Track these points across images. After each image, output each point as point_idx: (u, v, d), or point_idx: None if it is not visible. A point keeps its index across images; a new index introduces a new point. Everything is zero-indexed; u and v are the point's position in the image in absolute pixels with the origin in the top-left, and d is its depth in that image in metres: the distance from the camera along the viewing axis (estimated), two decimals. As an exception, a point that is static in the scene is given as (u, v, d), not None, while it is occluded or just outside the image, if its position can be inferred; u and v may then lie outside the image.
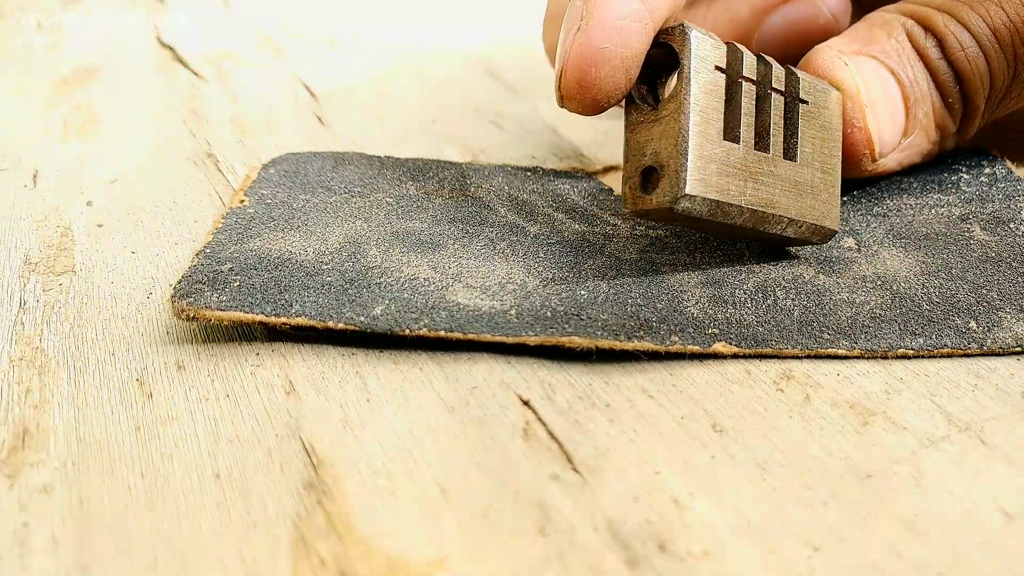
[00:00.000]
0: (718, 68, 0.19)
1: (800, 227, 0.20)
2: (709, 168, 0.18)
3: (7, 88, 0.35)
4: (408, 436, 0.17)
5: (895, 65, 0.22)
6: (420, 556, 0.14)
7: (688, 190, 0.18)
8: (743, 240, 0.21)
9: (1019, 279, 0.20)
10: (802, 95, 0.20)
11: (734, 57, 0.19)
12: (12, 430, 0.17)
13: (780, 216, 0.20)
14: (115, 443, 0.17)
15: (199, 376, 0.18)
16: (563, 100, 0.19)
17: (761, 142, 0.20)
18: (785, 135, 0.20)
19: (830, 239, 0.21)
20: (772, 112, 0.20)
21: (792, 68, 0.21)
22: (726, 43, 0.19)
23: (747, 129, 0.19)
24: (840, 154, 0.21)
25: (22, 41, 0.40)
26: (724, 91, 0.19)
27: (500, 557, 0.14)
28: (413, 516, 0.15)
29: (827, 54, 0.22)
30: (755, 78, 0.20)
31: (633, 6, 0.19)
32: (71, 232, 0.24)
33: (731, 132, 0.19)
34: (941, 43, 0.22)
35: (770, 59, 0.20)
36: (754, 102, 0.19)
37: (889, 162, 0.23)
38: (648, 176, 0.19)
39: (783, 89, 0.20)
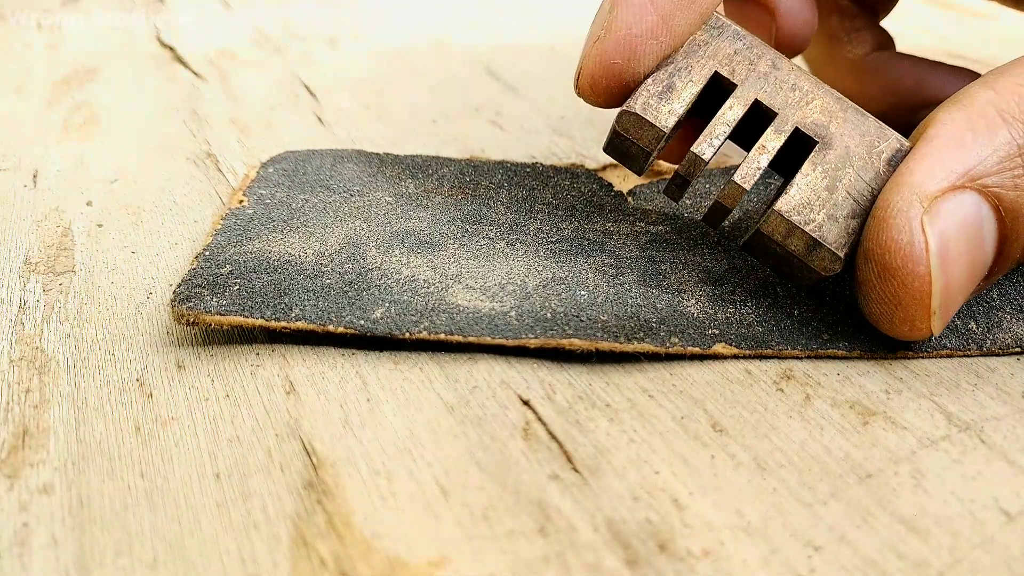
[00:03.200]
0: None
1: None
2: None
3: (7, 88, 0.35)
4: (408, 436, 0.17)
5: (1006, 195, 0.17)
6: (420, 556, 0.14)
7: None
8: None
9: (1019, 279, 0.20)
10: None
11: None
12: (12, 430, 0.17)
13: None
14: (115, 443, 0.17)
15: (199, 376, 0.18)
16: (578, 93, 0.20)
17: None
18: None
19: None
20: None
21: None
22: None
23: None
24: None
25: (22, 41, 0.40)
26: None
27: (500, 557, 0.14)
28: (413, 516, 0.15)
29: (905, 218, 0.16)
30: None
31: (648, 23, 0.19)
32: (71, 232, 0.24)
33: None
34: None
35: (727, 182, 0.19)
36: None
37: (943, 320, 0.17)
38: None
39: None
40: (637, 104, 0.19)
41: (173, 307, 0.19)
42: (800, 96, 0.19)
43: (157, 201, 0.25)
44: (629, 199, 0.24)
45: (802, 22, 0.23)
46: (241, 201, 0.23)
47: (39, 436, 0.17)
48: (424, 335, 0.18)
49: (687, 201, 0.24)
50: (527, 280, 0.20)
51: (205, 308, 0.19)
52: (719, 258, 0.21)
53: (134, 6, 0.45)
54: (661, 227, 0.22)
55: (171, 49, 0.39)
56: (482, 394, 0.18)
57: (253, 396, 0.18)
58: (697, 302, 0.19)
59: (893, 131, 0.19)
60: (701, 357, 0.18)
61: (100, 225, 0.24)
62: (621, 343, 0.18)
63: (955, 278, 0.17)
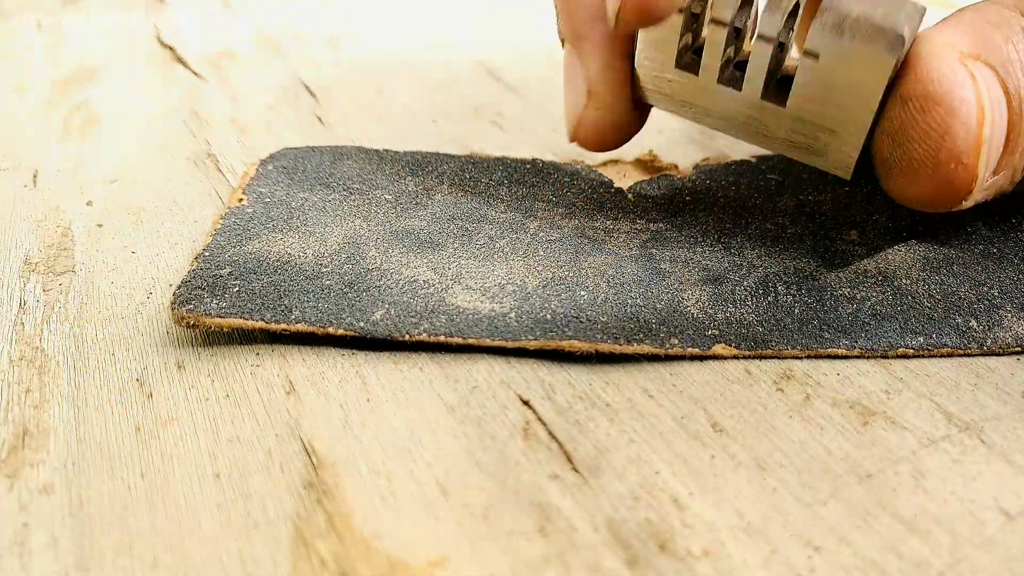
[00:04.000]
0: (680, 10, 0.20)
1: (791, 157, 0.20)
2: (659, 85, 0.21)
3: (7, 88, 0.35)
4: (408, 436, 0.17)
5: (1010, 82, 0.18)
6: (420, 556, 0.14)
7: (640, 96, 0.21)
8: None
9: (1021, 277, 0.20)
10: (810, 47, 0.18)
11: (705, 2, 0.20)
12: (12, 430, 0.17)
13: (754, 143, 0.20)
14: (115, 443, 0.17)
15: (199, 376, 0.18)
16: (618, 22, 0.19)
17: (729, 78, 0.20)
18: (768, 78, 0.20)
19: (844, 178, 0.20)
20: (751, 56, 0.19)
21: (796, 5, 0.20)
22: None
23: (709, 66, 0.20)
24: (869, 117, 0.18)
25: (22, 41, 0.40)
26: (681, 25, 0.20)
27: (500, 557, 0.14)
28: (413, 516, 0.15)
29: (946, 57, 0.17)
30: (726, 20, 0.19)
31: None
32: (71, 232, 0.24)
33: (684, 62, 0.21)
34: None
35: (774, 3, 0.19)
36: (722, 43, 0.20)
37: (968, 203, 0.18)
38: None
39: (772, 36, 0.19)
40: None
41: (173, 309, 0.19)
42: None
43: (157, 201, 0.25)
44: (629, 195, 0.24)
45: None
46: (241, 200, 0.23)
47: (39, 436, 0.17)
48: (424, 337, 0.18)
49: (687, 198, 0.24)
50: (527, 280, 0.20)
51: (205, 310, 0.19)
52: (719, 256, 0.21)
53: (134, 6, 0.45)
54: (661, 224, 0.22)
55: (171, 49, 0.39)
56: (482, 394, 0.18)
57: (253, 396, 0.18)
58: (697, 302, 0.19)
59: None
60: (701, 357, 0.18)
61: (100, 225, 0.24)
62: (621, 345, 0.18)
63: (995, 125, 0.17)
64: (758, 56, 0.19)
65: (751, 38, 0.20)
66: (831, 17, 0.18)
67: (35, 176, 0.27)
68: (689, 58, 0.21)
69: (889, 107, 0.18)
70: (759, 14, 0.20)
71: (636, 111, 0.22)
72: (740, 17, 0.20)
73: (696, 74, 0.20)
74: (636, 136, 0.23)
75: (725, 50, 0.20)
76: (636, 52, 0.21)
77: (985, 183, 0.18)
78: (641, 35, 0.21)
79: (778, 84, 0.20)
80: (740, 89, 0.20)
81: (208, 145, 0.29)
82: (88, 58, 0.38)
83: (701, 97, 0.21)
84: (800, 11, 0.20)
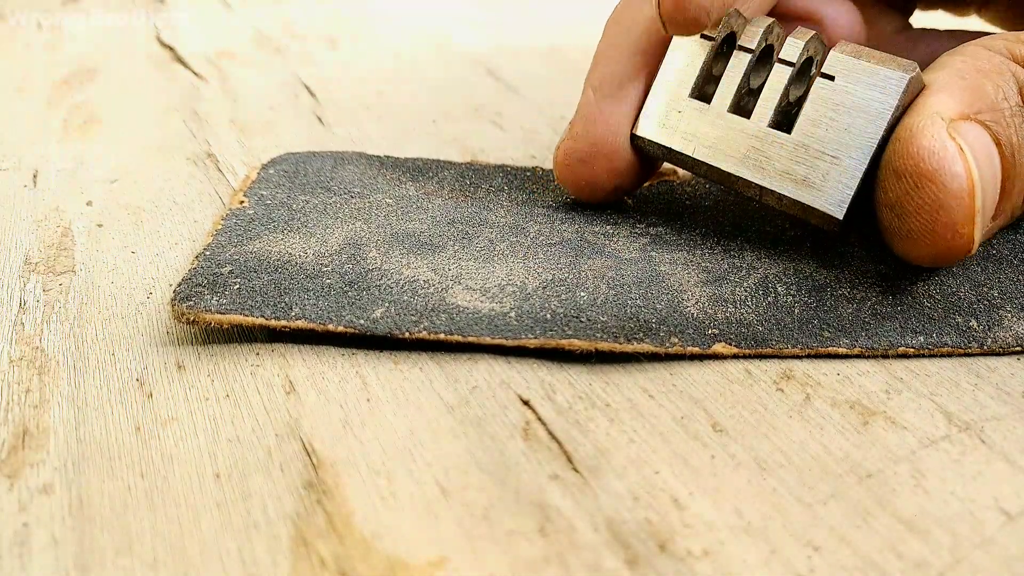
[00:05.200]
0: (705, 36, 0.21)
1: (783, 200, 0.20)
2: (665, 116, 0.22)
3: (7, 88, 0.35)
4: (408, 436, 0.17)
5: (1001, 133, 0.18)
6: (420, 556, 0.14)
7: (636, 131, 0.22)
8: (761, 203, 0.21)
9: (1020, 277, 0.20)
10: (827, 70, 0.20)
11: (727, 26, 0.21)
12: (12, 430, 0.17)
13: (747, 181, 0.21)
14: (115, 443, 0.17)
15: (199, 376, 0.18)
16: (666, 25, 0.21)
17: (741, 108, 0.21)
18: (779, 105, 0.20)
19: (834, 227, 0.20)
20: (768, 81, 0.20)
21: (820, 41, 0.21)
22: (731, 10, 0.21)
23: (725, 93, 0.21)
24: (874, 142, 0.19)
25: (22, 41, 0.40)
26: (708, 55, 0.21)
27: (500, 557, 0.14)
28: (413, 516, 0.15)
29: (935, 131, 0.17)
30: (752, 47, 0.21)
31: None
32: (71, 232, 0.24)
33: (700, 92, 0.22)
34: None
35: (800, 33, 0.20)
36: (743, 70, 0.21)
37: (972, 253, 0.19)
38: None
39: (793, 61, 0.20)
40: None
41: (173, 306, 0.19)
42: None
43: (157, 201, 0.26)
44: (628, 200, 0.24)
45: (849, 31, 0.24)
46: (242, 202, 0.23)
47: (39, 436, 0.17)
48: (424, 335, 0.18)
49: (687, 202, 0.24)
50: (527, 281, 0.20)
51: (205, 307, 0.19)
52: (719, 258, 0.21)
53: (134, 6, 0.45)
54: (661, 228, 0.22)
55: (171, 49, 0.39)
56: (482, 394, 0.18)
57: (253, 396, 0.18)
58: (697, 302, 0.19)
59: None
60: (701, 357, 0.18)
61: (100, 225, 0.24)
62: (621, 344, 0.18)
63: (987, 183, 0.18)
64: (775, 81, 0.20)
65: (766, 68, 0.21)
66: (849, 46, 0.19)
67: (35, 176, 0.27)
68: (703, 88, 0.22)
69: (886, 179, 0.18)
70: (781, 43, 0.21)
71: (623, 162, 0.22)
72: (763, 45, 0.21)
73: (708, 103, 0.21)
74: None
75: (743, 78, 0.21)
76: (652, 86, 0.22)
77: (983, 231, 0.18)
78: (664, 64, 0.22)
79: (785, 114, 0.21)
80: (749, 117, 0.21)
81: (208, 145, 0.29)
82: (88, 58, 0.38)
83: (708, 127, 0.21)
84: (817, 42, 0.21)
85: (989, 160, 0.18)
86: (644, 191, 0.24)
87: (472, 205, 0.24)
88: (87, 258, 0.23)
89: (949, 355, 0.18)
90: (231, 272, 0.20)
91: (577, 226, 0.22)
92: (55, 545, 0.15)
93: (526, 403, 0.17)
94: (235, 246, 0.21)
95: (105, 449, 0.16)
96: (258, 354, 0.19)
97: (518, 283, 0.20)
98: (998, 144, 0.18)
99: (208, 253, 0.21)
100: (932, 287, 0.20)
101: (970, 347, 0.18)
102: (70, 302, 0.21)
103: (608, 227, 0.22)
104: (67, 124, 0.31)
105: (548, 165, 0.27)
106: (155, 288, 0.21)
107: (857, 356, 0.18)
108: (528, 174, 0.25)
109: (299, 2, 0.45)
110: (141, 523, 0.15)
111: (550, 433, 0.17)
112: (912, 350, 0.18)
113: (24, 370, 0.19)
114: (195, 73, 0.36)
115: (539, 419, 0.17)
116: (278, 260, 0.20)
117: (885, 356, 0.18)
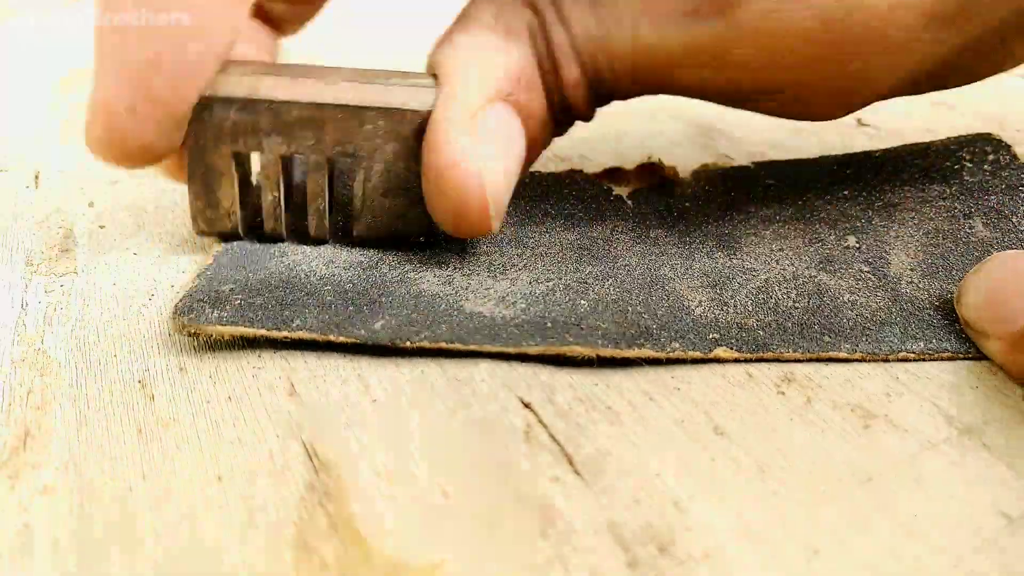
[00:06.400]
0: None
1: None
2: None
3: (8, 88, 0.35)
4: (410, 438, 0.17)
5: (524, 97, 0.20)
6: (421, 558, 0.14)
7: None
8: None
9: (1020, 282, 0.20)
10: (342, 154, 0.20)
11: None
12: (13, 431, 0.17)
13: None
14: (116, 444, 0.17)
15: (201, 378, 0.18)
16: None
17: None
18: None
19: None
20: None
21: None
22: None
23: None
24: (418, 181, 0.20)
25: (22, 41, 0.40)
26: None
27: (501, 559, 0.14)
28: (414, 518, 0.15)
29: (450, 134, 0.19)
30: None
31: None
32: (73, 233, 0.24)
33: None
34: (548, 42, 0.19)
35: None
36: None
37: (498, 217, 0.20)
38: None
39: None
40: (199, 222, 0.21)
41: (174, 319, 0.19)
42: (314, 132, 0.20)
43: (159, 202, 0.26)
44: (628, 203, 0.24)
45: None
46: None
47: (40, 437, 0.17)
48: (425, 344, 0.18)
49: (686, 204, 0.24)
50: (528, 290, 0.20)
51: (206, 319, 0.19)
52: (719, 262, 0.21)
53: (135, 7, 0.45)
54: (660, 231, 0.22)
55: (172, 50, 0.39)
56: (483, 397, 0.18)
57: (255, 398, 0.18)
58: (698, 306, 0.19)
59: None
60: (702, 361, 0.18)
61: (102, 226, 0.24)
62: (622, 349, 0.18)
63: (500, 180, 0.19)
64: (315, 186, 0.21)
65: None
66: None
67: (37, 177, 0.27)
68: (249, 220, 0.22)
69: (425, 172, 0.19)
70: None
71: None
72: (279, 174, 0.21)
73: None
74: (637, 139, 0.22)
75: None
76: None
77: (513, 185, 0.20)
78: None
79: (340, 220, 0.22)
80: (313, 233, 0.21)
81: (209, 146, 0.29)
82: (88, 58, 0.38)
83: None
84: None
85: (509, 139, 0.19)
86: (643, 194, 0.24)
87: None
88: (89, 259, 0.23)
89: (951, 359, 0.18)
90: (232, 290, 0.20)
91: (578, 231, 0.22)
92: (56, 546, 0.15)
93: (527, 406, 0.17)
94: (233, 269, 0.21)
95: (107, 450, 0.16)
96: (260, 356, 0.19)
97: (519, 292, 0.20)
98: (520, 115, 0.19)
99: (209, 273, 0.20)
100: (932, 292, 0.20)
101: (970, 352, 0.18)
102: (72, 303, 0.21)
103: (608, 232, 0.22)
104: (68, 125, 0.31)
105: (548, 166, 0.27)
106: (157, 290, 0.21)
107: (859, 360, 0.18)
108: (526, 180, 0.25)
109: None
110: (143, 525, 0.15)
111: (551, 435, 0.17)
112: (913, 355, 0.18)
113: (26, 371, 0.19)
114: (196, 74, 0.36)
115: (540, 421, 0.17)
116: (280, 279, 0.20)
117: (886, 360, 0.18)
